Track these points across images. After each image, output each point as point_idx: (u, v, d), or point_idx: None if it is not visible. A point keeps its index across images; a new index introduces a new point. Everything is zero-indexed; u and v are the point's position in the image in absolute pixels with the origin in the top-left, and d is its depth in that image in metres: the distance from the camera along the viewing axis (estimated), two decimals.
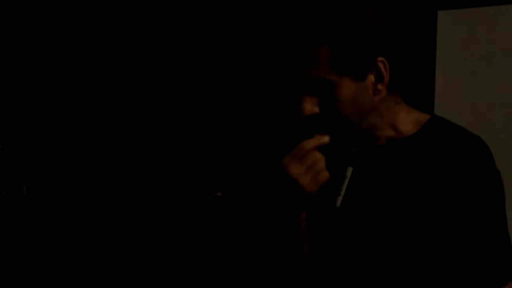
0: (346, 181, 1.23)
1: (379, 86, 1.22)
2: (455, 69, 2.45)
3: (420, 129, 1.25)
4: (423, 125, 1.26)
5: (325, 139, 1.21)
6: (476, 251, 1.15)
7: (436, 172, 1.19)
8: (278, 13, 2.50)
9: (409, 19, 1.28)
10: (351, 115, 1.22)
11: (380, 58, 1.20)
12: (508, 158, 2.19)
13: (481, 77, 2.39)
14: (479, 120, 2.38)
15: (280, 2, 2.47)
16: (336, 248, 1.26)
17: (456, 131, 1.25)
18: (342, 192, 1.23)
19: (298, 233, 1.27)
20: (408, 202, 1.19)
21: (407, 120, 1.27)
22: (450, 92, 2.45)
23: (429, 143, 1.23)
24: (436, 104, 2.45)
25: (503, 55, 2.33)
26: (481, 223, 1.16)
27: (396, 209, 1.20)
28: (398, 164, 1.23)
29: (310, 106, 1.22)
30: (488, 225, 1.16)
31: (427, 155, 1.21)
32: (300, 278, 1.33)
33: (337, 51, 1.19)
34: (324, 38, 1.19)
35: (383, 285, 1.20)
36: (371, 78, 1.21)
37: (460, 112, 2.41)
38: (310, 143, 1.20)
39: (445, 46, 2.44)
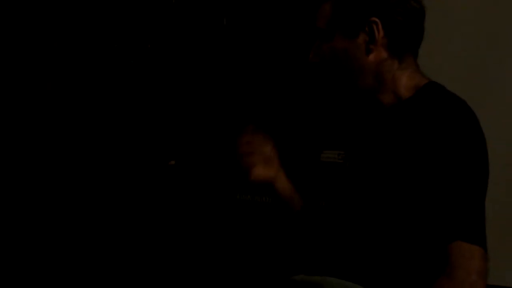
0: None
1: (371, 46, 1.30)
2: None
3: (414, 94, 1.31)
4: (417, 90, 1.31)
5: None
6: (439, 206, 1.20)
7: (420, 134, 1.23)
8: None
9: None
10: (345, 69, 1.32)
11: (373, 19, 1.29)
12: None
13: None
14: None
15: None
16: (340, 202, 1.34)
17: (445, 96, 1.30)
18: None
19: (281, 202, 1.45)
20: (394, 162, 1.25)
21: (407, 85, 1.32)
22: None
23: (415, 108, 1.28)
24: None
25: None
26: (450, 183, 1.20)
27: (383, 167, 1.27)
28: (391, 126, 1.30)
29: (313, 55, 1.35)
30: (456, 186, 1.20)
31: (415, 118, 1.26)
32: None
33: (335, 8, 1.32)
34: None
35: (372, 234, 1.27)
36: (364, 37, 1.30)
37: None
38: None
39: None
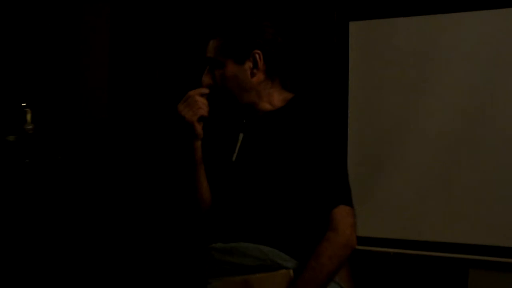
0: (239, 143, 1.75)
1: (255, 71, 1.72)
2: (365, 73, 2.74)
3: (285, 104, 1.76)
4: (287, 101, 1.76)
5: (205, 90, 1.72)
6: (318, 184, 1.65)
7: (291, 133, 1.68)
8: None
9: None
10: (234, 88, 1.73)
11: (256, 51, 1.71)
12: (409, 147, 2.63)
13: (388, 80, 2.69)
14: (387, 118, 2.69)
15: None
16: (230, 190, 1.75)
17: (308, 104, 1.74)
18: (236, 151, 1.74)
19: (194, 159, 1.76)
20: (273, 154, 1.69)
21: (279, 98, 1.76)
22: (361, 93, 2.74)
23: (288, 113, 1.73)
24: (350, 105, 2.74)
25: (404, 60, 2.67)
26: (323, 165, 1.66)
27: (266, 159, 1.70)
28: (268, 129, 1.73)
29: (207, 80, 1.75)
30: (328, 166, 1.66)
31: (286, 122, 1.71)
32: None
33: (224, 42, 1.73)
34: (219, 33, 1.74)
35: (257, 213, 1.69)
36: (249, 64, 1.72)
37: (371, 113, 2.72)
38: (193, 91, 1.72)
39: (356, 53, 2.74)
